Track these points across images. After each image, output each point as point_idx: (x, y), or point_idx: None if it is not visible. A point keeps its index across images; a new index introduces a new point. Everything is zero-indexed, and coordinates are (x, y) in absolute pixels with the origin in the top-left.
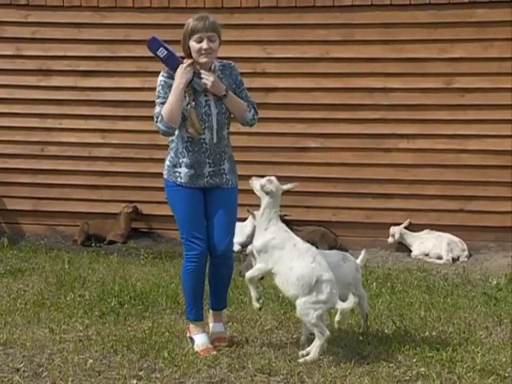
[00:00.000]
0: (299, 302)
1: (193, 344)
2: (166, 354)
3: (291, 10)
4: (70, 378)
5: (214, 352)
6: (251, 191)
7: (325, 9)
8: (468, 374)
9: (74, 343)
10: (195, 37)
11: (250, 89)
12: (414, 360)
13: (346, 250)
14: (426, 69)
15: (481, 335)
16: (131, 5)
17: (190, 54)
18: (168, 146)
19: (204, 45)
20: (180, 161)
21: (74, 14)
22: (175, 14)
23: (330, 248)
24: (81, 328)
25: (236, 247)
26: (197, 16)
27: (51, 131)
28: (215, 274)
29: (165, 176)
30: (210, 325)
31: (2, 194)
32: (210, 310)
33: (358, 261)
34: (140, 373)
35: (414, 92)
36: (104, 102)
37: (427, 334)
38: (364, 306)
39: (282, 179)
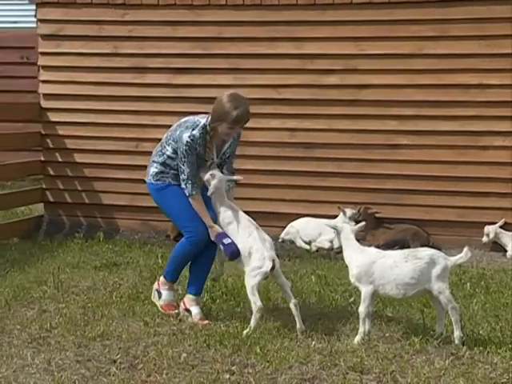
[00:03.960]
0: (246, 274)
1: (159, 297)
2: (258, 350)
3: (384, 6)
4: (165, 371)
5: (177, 311)
6: (340, 189)
7: (418, 4)
8: None
9: (167, 336)
10: (232, 125)
11: (341, 86)
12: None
13: (439, 249)
14: None
15: None
16: (224, 2)
17: (216, 119)
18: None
19: (234, 133)
20: (168, 170)
21: (168, 12)
22: (268, 11)
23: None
24: (174, 322)
25: (326, 244)
26: (239, 102)
27: (145, 128)
28: (206, 261)
29: (151, 181)
30: (192, 308)
31: (99, 189)
32: (190, 296)
33: (453, 259)
34: (232, 368)
35: (511, 88)
36: (197, 98)
37: None
38: (445, 304)
39: (374, 177)
